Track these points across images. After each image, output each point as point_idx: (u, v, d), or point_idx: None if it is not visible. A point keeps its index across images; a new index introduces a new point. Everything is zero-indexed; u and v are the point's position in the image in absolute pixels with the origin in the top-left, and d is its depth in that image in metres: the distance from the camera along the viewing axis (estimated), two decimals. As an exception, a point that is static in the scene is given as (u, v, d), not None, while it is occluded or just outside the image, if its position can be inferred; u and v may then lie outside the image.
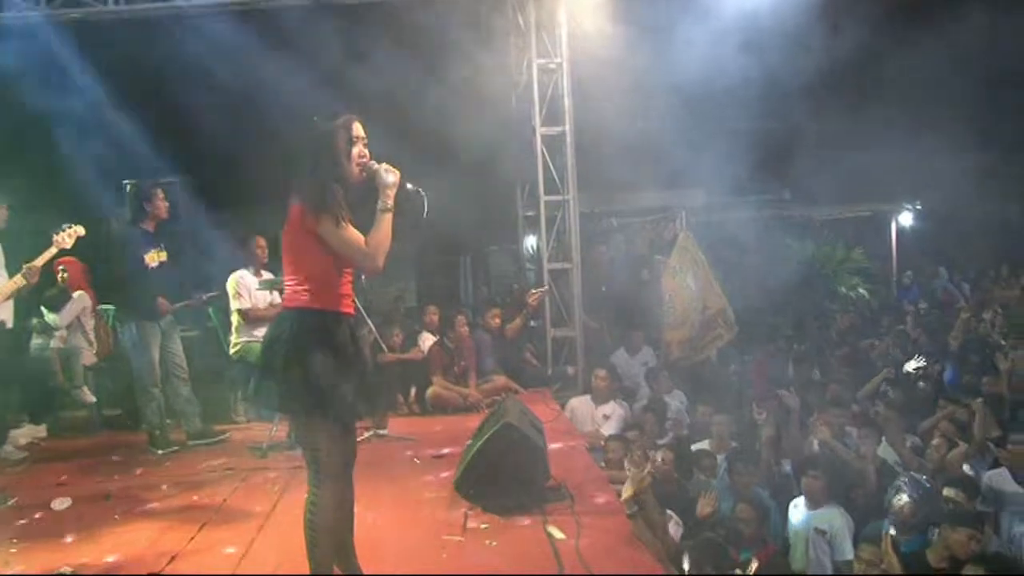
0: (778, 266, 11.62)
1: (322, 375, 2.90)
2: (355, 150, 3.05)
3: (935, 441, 5.30)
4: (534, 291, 7.73)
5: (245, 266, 6.31)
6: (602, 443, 5.74)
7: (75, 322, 6.83)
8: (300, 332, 2.94)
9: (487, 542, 3.93)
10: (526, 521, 4.15)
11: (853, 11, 9.35)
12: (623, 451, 5.30)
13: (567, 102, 7.75)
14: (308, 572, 3.03)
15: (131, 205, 5.93)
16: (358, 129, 3.07)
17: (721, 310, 7.84)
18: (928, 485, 4.53)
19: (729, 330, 7.83)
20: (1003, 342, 7.72)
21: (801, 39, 8.95)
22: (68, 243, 5.27)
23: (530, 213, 9.24)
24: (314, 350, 2.92)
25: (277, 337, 2.98)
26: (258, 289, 6.14)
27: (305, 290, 2.98)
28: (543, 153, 7.83)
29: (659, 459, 4.98)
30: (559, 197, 7.88)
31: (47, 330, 6.81)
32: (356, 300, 3.18)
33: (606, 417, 6.61)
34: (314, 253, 2.96)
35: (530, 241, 9.82)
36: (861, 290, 12.04)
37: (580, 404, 6.72)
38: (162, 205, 5.78)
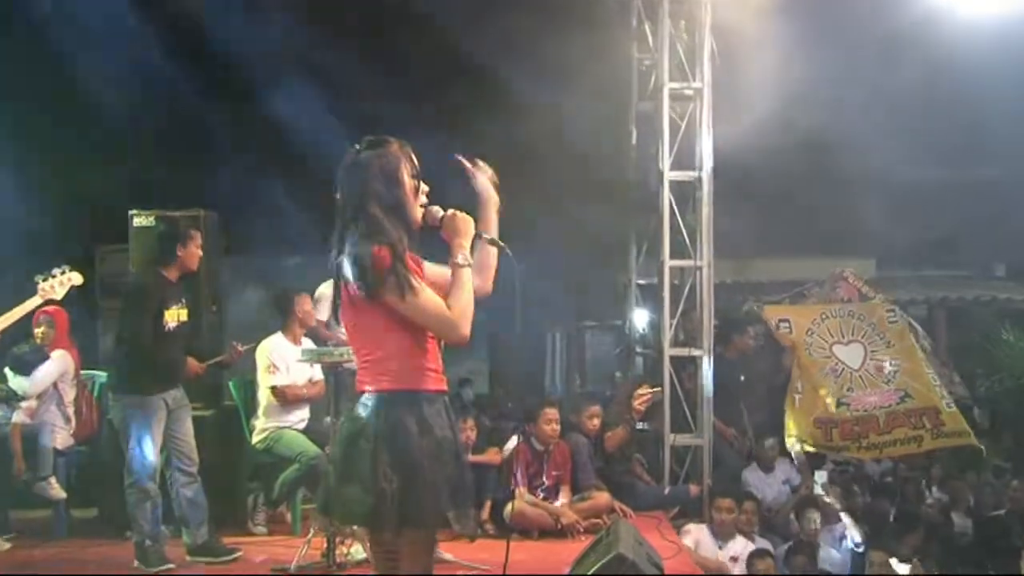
0: (985, 368, 11.40)
1: (420, 475, 3.03)
2: (420, 186, 3.20)
3: None
4: (642, 391, 7.75)
5: (282, 331, 6.58)
6: None
7: (50, 391, 6.92)
8: (390, 422, 3.06)
9: None
10: None
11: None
12: None
13: (706, 140, 7.90)
14: None
15: (158, 246, 6.12)
16: (415, 159, 3.21)
17: (932, 409, 7.83)
18: None
19: (936, 439, 7.77)
20: None
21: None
22: (58, 294, 5.48)
23: (644, 281, 9.38)
24: (409, 443, 3.05)
25: (360, 431, 3.09)
26: (299, 361, 6.37)
27: (387, 369, 3.11)
28: (671, 204, 7.97)
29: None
30: (689, 263, 7.99)
31: (11, 399, 6.89)
32: None
33: (733, 560, 6.59)
34: (387, 324, 3.09)
35: (641, 318, 9.92)
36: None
37: (701, 536, 6.70)
38: (196, 253, 5.97)
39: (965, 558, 6.87)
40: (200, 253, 6.02)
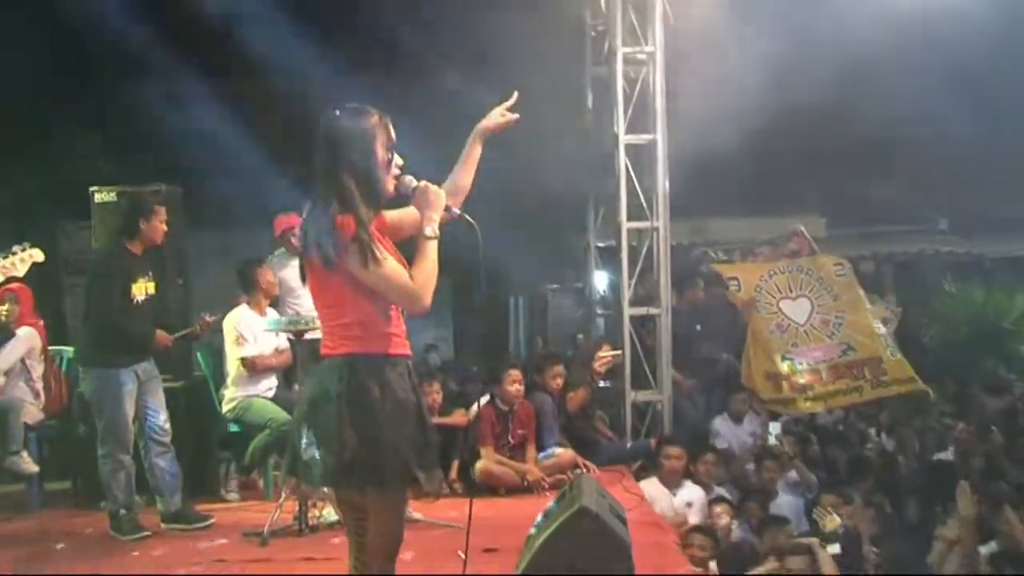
0: (931, 318, 11.60)
1: (383, 436, 3.06)
2: (394, 159, 3.19)
3: None
4: (602, 354, 7.83)
5: (247, 303, 6.57)
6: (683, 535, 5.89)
7: (17, 367, 6.89)
8: (353, 385, 3.08)
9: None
10: (606, 636, 4.22)
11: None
12: (712, 547, 5.59)
13: (660, 103, 7.98)
14: None
15: (122, 220, 6.08)
16: (392, 131, 3.19)
17: (874, 359, 8.05)
18: None
19: (877, 388, 8.01)
20: None
21: (964, 20, 9.07)
22: (19, 271, 5.44)
23: (603, 244, 9.46)
24: (372, 406, 3.07)
25: (324, 394, 3.11)
26: (266, 331, 6.37)
27: (351, 334, 3.12)
28: (627, 168, 8.04)
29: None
30: (646, 224, 8.10)
31: (-22, 377, 6.85)
32: None
33: (688, 505, 6.73)
34: (351, 290, 3.10)
35: (601, 279, 10.01)
36: (1053, 354, 11.87)
37: (652, 491, 6.82)
38: (161, 227, 5.93)
39: (912, 498, 7.04)
40: (164, 227, 5.98)
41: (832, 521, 6.05)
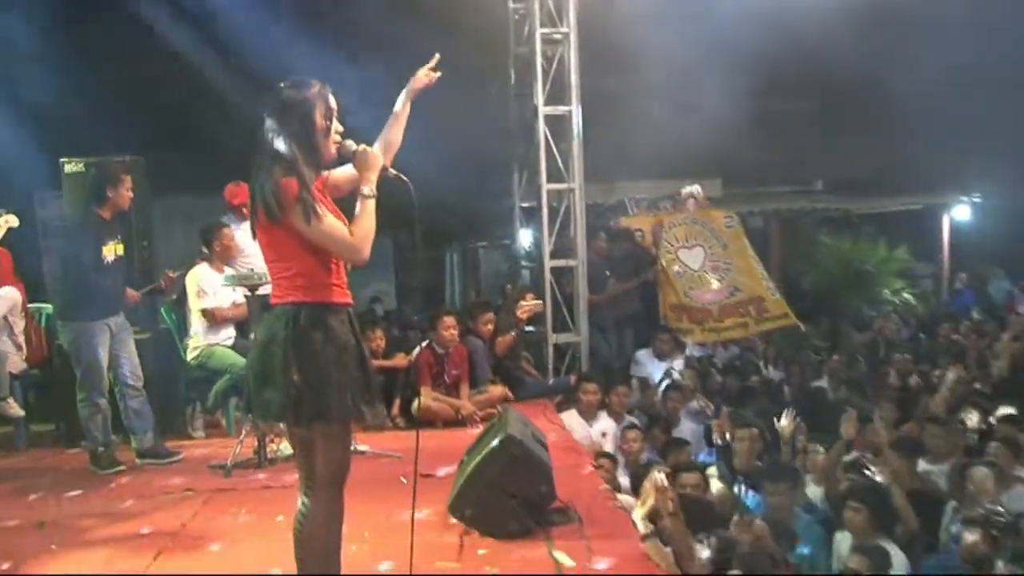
0: (810, 266, 11.92)
1: (325, 376, 3.08)
2: (333, 126, 3.19)
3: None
4: (525, 303, 7.96)
5: (207, 261, 6.54)
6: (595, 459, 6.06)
7: (1, 323, 6.85)
8: (298, 330, 3.08)
9: (486, 569, 4.07)
10: (530, 546, 4.31)
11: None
12: (613, 468, 5.87)
13: (574, 78, 8.05)
14: None
15: (90, 188, 6.04)
16: (333, 100, 3.18)
17: (757, 299, 8.38)
18: (1006, 518, 4.52)
19: (760, 323, 8.34)
20: None
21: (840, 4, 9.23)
22: None
23: (526, 204, 9.56)
24: (315, 349, 3.08)
25: (272, 338, 3.12)
26: (223, 286, 6.36)
27: (296, 285, 3.13)
28: (546, 136, 8.12)
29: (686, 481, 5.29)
30: (563, 185, 8.20)
31: (-38, 333, 6.81)
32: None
33: (604, 435, 6.87)
34: (296, 244, 3.09)
35: (525, 236, 10.12)
36: (906, 295, 12.27)
37: (571, 421, 6.96)
38: (127, 194, 5.90)
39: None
40: (130, 194, 5.96)
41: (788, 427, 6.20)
